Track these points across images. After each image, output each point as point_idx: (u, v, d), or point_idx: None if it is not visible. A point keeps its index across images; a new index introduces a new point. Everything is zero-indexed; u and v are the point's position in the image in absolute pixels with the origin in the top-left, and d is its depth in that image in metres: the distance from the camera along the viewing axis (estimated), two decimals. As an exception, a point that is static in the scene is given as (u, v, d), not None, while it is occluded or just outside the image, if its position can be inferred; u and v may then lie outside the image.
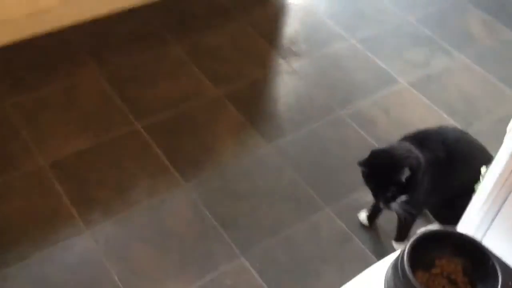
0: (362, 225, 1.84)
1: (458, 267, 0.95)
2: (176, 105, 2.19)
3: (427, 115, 2.24)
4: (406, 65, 2.44)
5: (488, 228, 1.01)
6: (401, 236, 1.74)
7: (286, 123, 2.18)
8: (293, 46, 2.51)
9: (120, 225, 1.79)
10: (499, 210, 0.98)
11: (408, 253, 0.91)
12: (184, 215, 1.84)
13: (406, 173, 1.35)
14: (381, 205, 1.47)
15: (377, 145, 2.10)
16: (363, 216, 1.82)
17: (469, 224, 1.07)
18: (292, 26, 2.63)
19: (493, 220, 0.99)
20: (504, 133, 2.17)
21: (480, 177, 1.10)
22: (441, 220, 1.71)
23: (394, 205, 1.43)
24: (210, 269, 1.71)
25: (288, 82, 2.36)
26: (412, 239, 0.94)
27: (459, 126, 2.19)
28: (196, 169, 1.98)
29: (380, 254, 1.77)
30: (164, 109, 2.17)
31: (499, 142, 2.08)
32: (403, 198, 1.42)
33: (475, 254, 0.94)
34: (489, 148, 2.08)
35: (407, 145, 1.47)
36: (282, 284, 1.70)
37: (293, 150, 2.08)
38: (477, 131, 2.16)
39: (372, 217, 1.79)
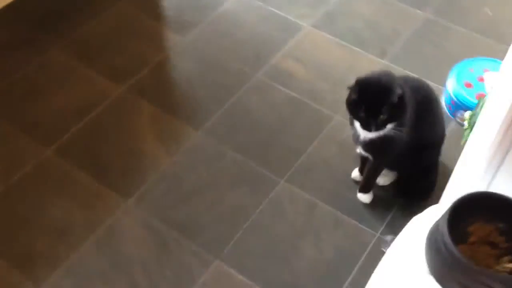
0: (324, 189, 1.77)
1: (491, 227, 0.91)
2: (81, 117, 1.93)
3: (341, 53, 2.18)
4: (304, 7, 2.34)
5: (493, 177, 0.97)
6: (368, 186, 1.70)
7: (206, 103, 2.01)
8: (183, 16, 2.31)
9: (72, 272, 1.57)
10: (505, 156, 0.93)
11: (448, 231, 0.85)
12: (138, 235, 1.66)
13: (398, 91, 1.35)
14: (371, 132, 1.41)
15: (301, 98, 2.02)
16: (355, 173, 1.77)
17: (469, 174, 1.02)
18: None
19: (498, 167, 0.95)
20: (417, 51, 2.20)
21: (465, 123, 1.04)
22: (402, 170, 1.70)
23: (385, 129, 1.41)
24: (188, 285, 1.57)
25: (191, 56, 2.17)
26: (443, 216, 0.87)
27: (374, 55, 2.17)
28: (132, 181, 1.78)
29: (350, 211, 1.72)
30: (70, 125, 1.91)
31: (415, 62, 2.11)
32: (391, 126, 1.41)
33: (504, 210, 0.90)
34: (409, 70, 2.09)
35: (390, 72, 1.47)
36: (264, 272, 1.60)
37: (223, 129, 1.94)
38: (394, 57, 2.16)
39: (363, 168, 1.73)
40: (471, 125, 1.07)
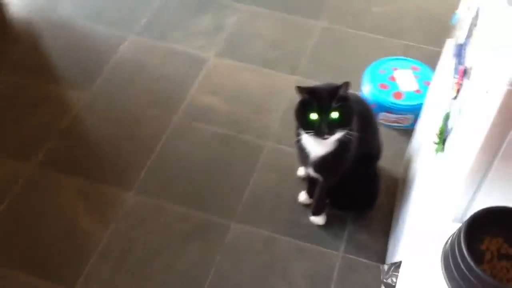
0: (277, 221, 1.72)
1: (500, 240, 0.91)
2: (-6, 207, 1.72)
3: (253, 77, 2.15)
4: (203, 38, 2.28)
5: (476, 190, 0.97)
6: (321, 208, 1.69)
7: (131, 159, 1.88)
8: (78, 72, 2.14)
9: None
10: (488, 168, 0.93)
11: (469, 256, 0.83)
12: (96, 325, 1.50)
13: (347, 86, 1.41)
14: (324, 136, 1.41)
15: (228, 132, 1.95)
16: (303, 196, 1.74)
17: (453, 190, 1.01)
18: (55, 52, 2.22)
19: (483, 178, 0.95)
20: (324, 61, 2.22)
21: (436, 137, 1.04)
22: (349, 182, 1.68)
23: (337, 135, 1.43)
24: None
25: (100, 112, 2.02)
26: (459, 242, 0.86)
27: (285, 73, 2.16)
28: (72, 266, 1.60)
29: (307, 236, 1.69)
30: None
31: (325, 72, 2.12)
32: (342, 133, 1.44)
33: (507, 220, 0.90)
34: (322, 81, 2.10)
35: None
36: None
37: (157, 183, 1.82)
38: (304, 71, 2.16)
39: (311, 190, 1.70)
40: (442, 140, 1.07)
